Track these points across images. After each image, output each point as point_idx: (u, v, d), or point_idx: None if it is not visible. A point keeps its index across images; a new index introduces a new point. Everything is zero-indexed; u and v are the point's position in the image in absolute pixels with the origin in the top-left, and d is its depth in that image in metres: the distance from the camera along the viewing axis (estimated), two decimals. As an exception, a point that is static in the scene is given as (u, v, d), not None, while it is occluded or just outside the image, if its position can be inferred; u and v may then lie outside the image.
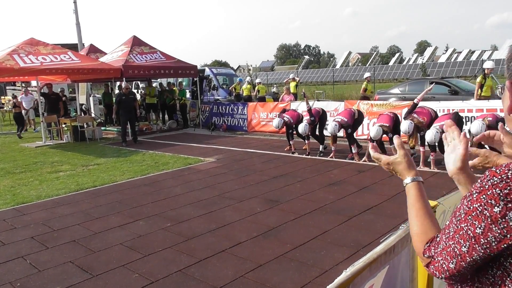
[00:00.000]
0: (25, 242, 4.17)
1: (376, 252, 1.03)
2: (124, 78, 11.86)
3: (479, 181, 0.80)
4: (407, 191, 1.05)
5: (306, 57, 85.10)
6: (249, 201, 5.21)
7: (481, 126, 5.87)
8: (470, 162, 1.24)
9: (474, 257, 0.77)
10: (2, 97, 21.58)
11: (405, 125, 6.38)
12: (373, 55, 67.45)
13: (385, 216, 4.43)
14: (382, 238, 1.23)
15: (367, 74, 13.30)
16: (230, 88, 15.75)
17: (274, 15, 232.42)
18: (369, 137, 7.08)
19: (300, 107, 10.25)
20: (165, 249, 3.82)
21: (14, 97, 13.78)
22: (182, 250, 3.78)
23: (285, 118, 8.36)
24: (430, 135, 5.99)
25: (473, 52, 50.53)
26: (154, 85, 14.93)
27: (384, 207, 4.73)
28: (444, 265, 0.82)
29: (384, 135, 6.75)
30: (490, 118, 6.03)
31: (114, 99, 14.26)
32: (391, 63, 53.01)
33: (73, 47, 14.18)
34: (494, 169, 0.78)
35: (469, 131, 6.06)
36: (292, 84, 14.67)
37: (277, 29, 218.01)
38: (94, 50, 15.97)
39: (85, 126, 11.77)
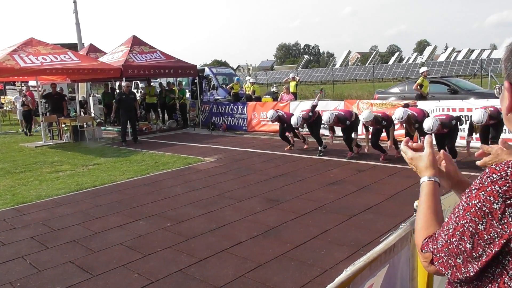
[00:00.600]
0: (25, 242, 4.17)
1: (376, 251, 1.03)
2: (124, 78, 11.86)
3: (478, 178, 0.80)
4: (421, 189, 1.06)
5: (306, 56, 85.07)
6: (249, 201, 5.21)
7: (483, 114, 5.86)
8: (480, 162, 1.27)
9: (479, 253, 0.77)
10: (2, 97, 21.56)
11: (429, 122, 6.05)
12: (373, 55, 67.35)
13: (385, 215, 4.43)
14: (382, 237, 1.23)
15: (423, 68, 11.24)
16: (227, 87, 15.77)
17: (273, 14, 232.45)
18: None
19: (300, 107, 10.26)
20: (165, 249, 3.82)
21: (24, 95, 13.91)
22: (182, 250, 3.78)
23: (279, 112, 8.55)
24: (428, 123, 5.93)
25: (473, 51, 50.52)
26: (153, 84, 14.94)
27: (384, 206, 4.73)
28: (450, 261, 0.82)
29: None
30: (492, 109, 6.08)
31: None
32: (390, 63, 52.99)
33: (72, 47, 14.18)
34: (494, 166, 0.79)
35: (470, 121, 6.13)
36: (292, 84, 14.66)
37: (277, 28, 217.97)
38: (93, 50, 15.97)
39: (85, 126, 11.77)
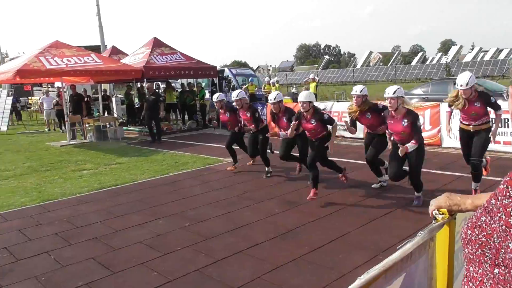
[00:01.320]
0: (49, 238, 4.31)
1: (392, 259, 1.01)
2: (145, 79, 12.07)
3: (505, 201, 0.69)
4: None
5: (326, 57, 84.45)
6: (268, 202, 5.21)
7: (470, 76, 5.16)
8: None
9: None
10: (30, 97, 22.36)
11: (466, 76, 4.99)
12: (395, 55, 66.14)
13: (407, 220, 4.34)
14: (403, 242, 1.21)
15: None
16: (243, 89, 15.85)
17: (293, 14, 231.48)
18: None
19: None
20: (184, 248, 3.86)
21: (58, 95, 14.52)
22: (200, 250, 3.81)
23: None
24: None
25: (501, 50, 48.77)
26: (174, 85, 15.14)
27: (406, 210, 4.64)
28: None
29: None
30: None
31: (136, 99, 14.55)
32: (413, 63, 51.87)
33: (96, 49, 14.58)
34: (509, 178, 0.70)
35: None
36: (312, 85, 14.59)
37: (297, 29, 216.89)
38: (116, 52, 16.33)
39: (108, 126, 12.05)
